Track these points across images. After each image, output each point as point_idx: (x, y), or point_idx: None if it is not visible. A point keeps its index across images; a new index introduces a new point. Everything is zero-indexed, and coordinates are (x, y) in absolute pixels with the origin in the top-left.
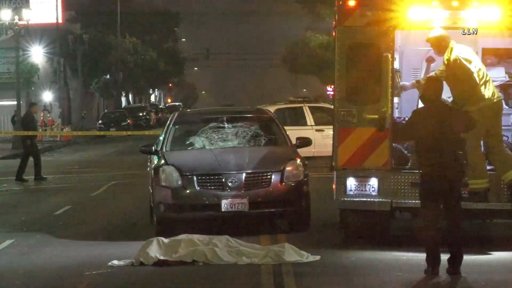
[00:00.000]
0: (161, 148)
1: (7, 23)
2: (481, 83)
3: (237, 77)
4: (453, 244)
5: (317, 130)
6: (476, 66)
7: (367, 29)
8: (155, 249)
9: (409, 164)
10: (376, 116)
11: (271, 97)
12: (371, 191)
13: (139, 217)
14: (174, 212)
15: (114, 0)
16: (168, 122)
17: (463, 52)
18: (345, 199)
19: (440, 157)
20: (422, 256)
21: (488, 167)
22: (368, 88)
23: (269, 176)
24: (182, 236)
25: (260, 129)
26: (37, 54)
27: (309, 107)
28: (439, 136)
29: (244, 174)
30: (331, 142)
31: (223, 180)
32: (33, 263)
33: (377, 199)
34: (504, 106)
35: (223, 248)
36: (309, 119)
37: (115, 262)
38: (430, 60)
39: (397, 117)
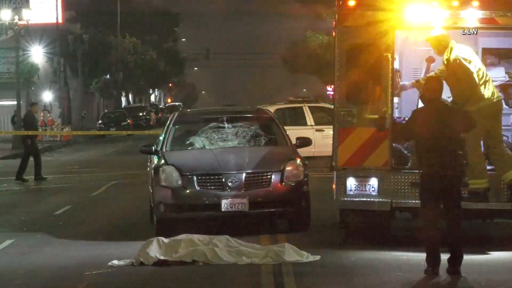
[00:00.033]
0: (161, 148)
1: (7, 23)
2: (480, 83)
3: (237, 77)
4: (453, 244)
5: (317, 130)
6: (476, 66)
7: (367, 29)
8: (155, 249)
9: (409, 164)
10: (376, 116)
11: (271, 97)
12: (371, 191)
13: (139, 217)
14: (174, 212)
15: (114, 0)
16: (168, 122)
17: (463, 52)
18: (345, 199)
19: (440, 157)
20: (422, 256)
21: (488, 167)
22: (368, 88)
23: (269, 176)
24: (182, 236)
25: (260, 129)
26: (37, 54)
27: (309, 107)
28: (439, 136)
29: (244, 174)
30: (331, 142)
31: (223, 180)
32: (33, 263)
33: (377, 199)
34: (504, 106)
35: (223, 248)
36: (309, 119)
37: (115, 262)
38: (430, 60)
39: (397, 117)
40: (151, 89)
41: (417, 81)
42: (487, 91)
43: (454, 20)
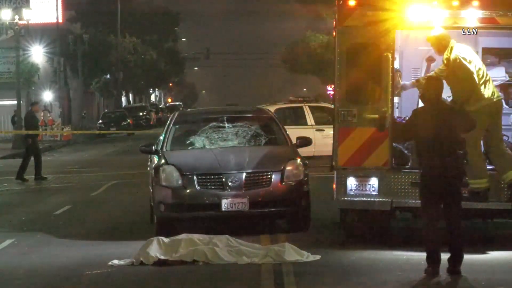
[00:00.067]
0: (162, 148)
1: (7, 23)
2: (481, 82)
3: (237, 77)
4: (453, 244)
5: (317, 130)
6: (476, 65)
7: (367, 29)
8: (155, 249)
9: (409, 164)
10: (376, 116)
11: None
12: (371, 190)
13: (139, 217)
14: (174, 212)
15: (114, 0)
16: (169, 121)
17: (463, 51)
18: (345, 198)
19: (440, 157)
20: (422, 255)
21: (488, 167)
22: (368, 88)
23: (269, 176)
24: (182, 236)
25: (260, 129)
26: (37, 54)
27: (309, 106)
28: (439, 136)
29: (244, 174)
30: (331, 141)
31: (223, 179)
32: (33, 263)
33: (377, 199)
34: (504, 105)
35: (224, 248)
36: (309, 118)
37: (115, 262)
38: (430, 60)
39: (397, 117)
40: (151, 89)
41: (417, 80)
42: (487, 91)
43: (454, 19)
